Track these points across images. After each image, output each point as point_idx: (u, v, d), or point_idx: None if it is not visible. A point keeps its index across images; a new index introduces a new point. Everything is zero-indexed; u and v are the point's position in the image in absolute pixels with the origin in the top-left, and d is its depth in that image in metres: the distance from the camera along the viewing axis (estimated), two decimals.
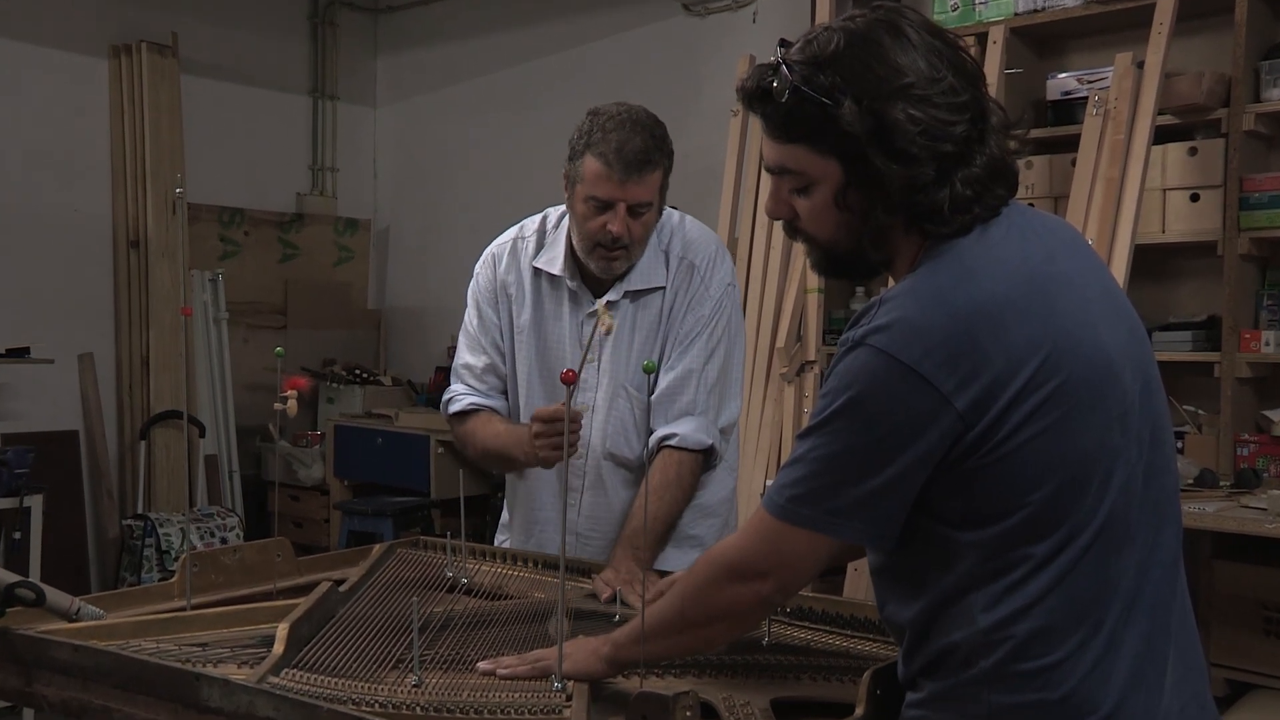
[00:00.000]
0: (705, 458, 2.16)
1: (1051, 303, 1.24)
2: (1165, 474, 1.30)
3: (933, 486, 1.24)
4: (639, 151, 2.04)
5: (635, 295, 2.20)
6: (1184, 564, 1.33)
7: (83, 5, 5.16)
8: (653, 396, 2.16)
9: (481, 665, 1.52)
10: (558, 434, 1.99)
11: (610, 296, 2.18)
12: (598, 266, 2.15)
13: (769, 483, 1.40)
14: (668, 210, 2.23)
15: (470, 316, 2.29)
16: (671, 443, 2.12)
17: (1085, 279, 1.30)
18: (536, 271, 2.23)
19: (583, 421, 2.16)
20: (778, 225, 3.91)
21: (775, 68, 1.29)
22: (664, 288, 2.19)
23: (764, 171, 1.40)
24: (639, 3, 5.14)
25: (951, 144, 1.24)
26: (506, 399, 2.28)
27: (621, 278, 2.18)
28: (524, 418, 2.22)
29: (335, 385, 5.63)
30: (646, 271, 2.19)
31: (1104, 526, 1.22)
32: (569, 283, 2.20)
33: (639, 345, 2.20)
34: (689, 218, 2.28)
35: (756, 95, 1.31)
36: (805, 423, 1.30)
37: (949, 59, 1.26)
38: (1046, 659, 1.20)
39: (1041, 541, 1.21)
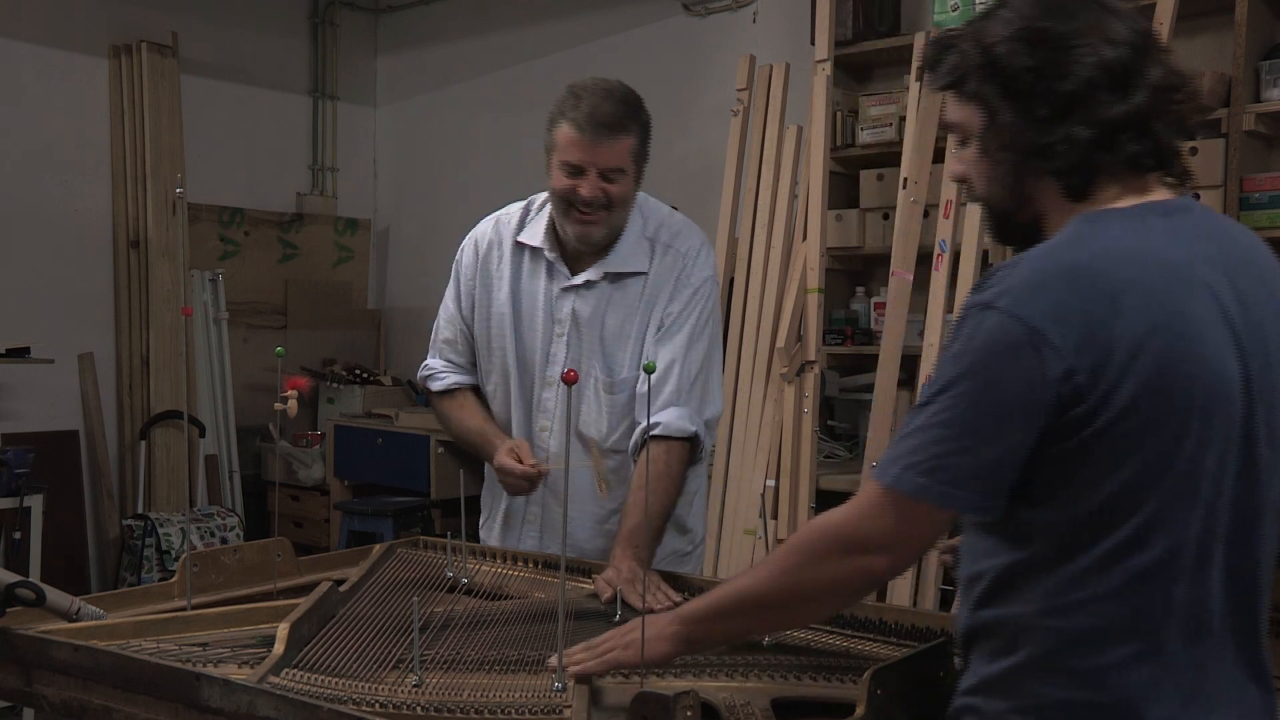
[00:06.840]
0: (691, 448, 2.16)
1: (1182, 305, 1.20)
2: (1261, 518, 1.25)
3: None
4: (609, 116, 2.09)
5: (614, 278, 2.21)
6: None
7: (83, 5, 5.16)
8: (637, 389, 2.17)
9: (551, 663, 1.48)
10: (519, 482, 2.10)
11: (589, 275, 2.20)
12: (574, 232, 2.16)
13: (872, 463, 1.36)
14: (657, 203, 2.25)
15: (449, 293, 2.35)
16: (656, 431, 2.12)
17: (1240, 299, 1.24)
18: (519, 246, 2.27)
19: (546, 437, 2.23)
20: (778, 225, 3.93)
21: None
22: (645, 273, 2.21)
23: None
24: (639, 3, 5.14)
25: (1071, 84, 1.24)
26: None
27: (601, 257, 2.20)
28: (498, 397, 2.30)
29: (335, 385, 5.63)
30: (628, 255, 2.21)
31: (1180, 545, 1.19)
32: (547, 254, 2.23)
33: (612, 328, 2.21)
34: (678, 213, 2.30)
35: (928, 55, 1.37)
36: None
37: (1103, 17, 1.26)
38: (1099, 660, 1.19)
39: (1108, 537, 1.19)
